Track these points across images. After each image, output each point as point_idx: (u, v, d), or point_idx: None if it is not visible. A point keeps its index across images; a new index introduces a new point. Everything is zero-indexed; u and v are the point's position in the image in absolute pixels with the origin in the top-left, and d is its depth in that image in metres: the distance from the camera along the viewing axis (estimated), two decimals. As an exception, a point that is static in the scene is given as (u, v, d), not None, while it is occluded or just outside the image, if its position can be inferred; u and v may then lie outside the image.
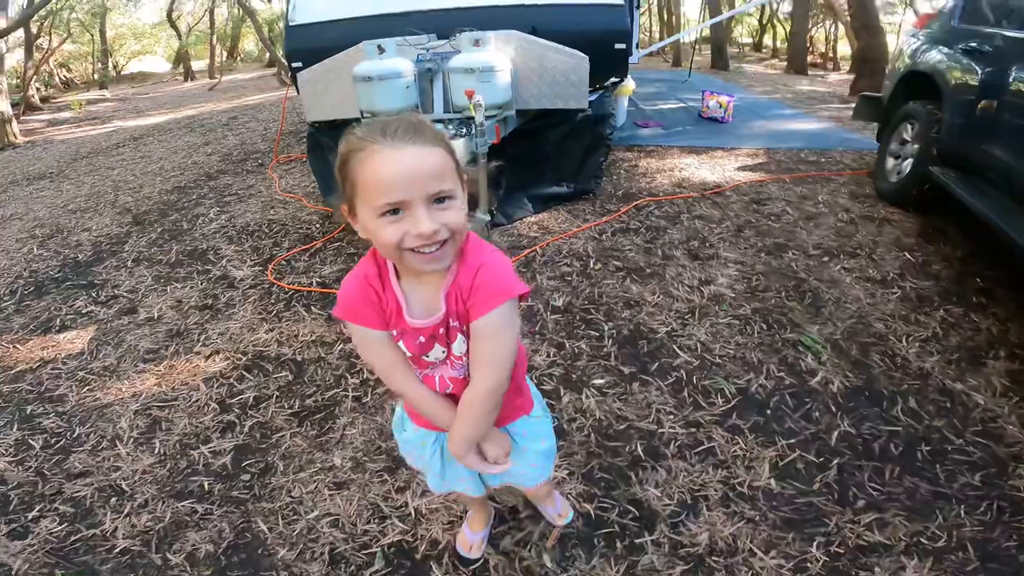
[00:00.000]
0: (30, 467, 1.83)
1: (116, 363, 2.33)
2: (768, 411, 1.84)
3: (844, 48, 20.26)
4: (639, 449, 1.72)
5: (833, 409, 1.84)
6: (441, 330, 0.95)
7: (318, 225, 3.55)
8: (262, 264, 3.07)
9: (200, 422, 1.96)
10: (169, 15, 20.52)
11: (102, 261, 3.34)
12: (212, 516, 1.61)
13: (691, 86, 8.45)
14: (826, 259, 2.81)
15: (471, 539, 1.48)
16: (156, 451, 1.85)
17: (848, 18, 11.70)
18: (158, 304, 2.75)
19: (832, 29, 19.96)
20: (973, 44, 3.09)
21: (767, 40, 22.25)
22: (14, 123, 9.16)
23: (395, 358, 1.00)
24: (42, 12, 12.43)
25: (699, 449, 1.71)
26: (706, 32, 13.41)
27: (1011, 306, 2.36)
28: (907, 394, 1.89)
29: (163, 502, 1.67)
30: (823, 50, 20.24)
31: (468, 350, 0.97)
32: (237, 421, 1.96)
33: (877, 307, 2.37)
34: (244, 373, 2.20)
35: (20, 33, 13.85)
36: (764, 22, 21.36)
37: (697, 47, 13.89)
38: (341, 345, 2.31)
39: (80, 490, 1.72)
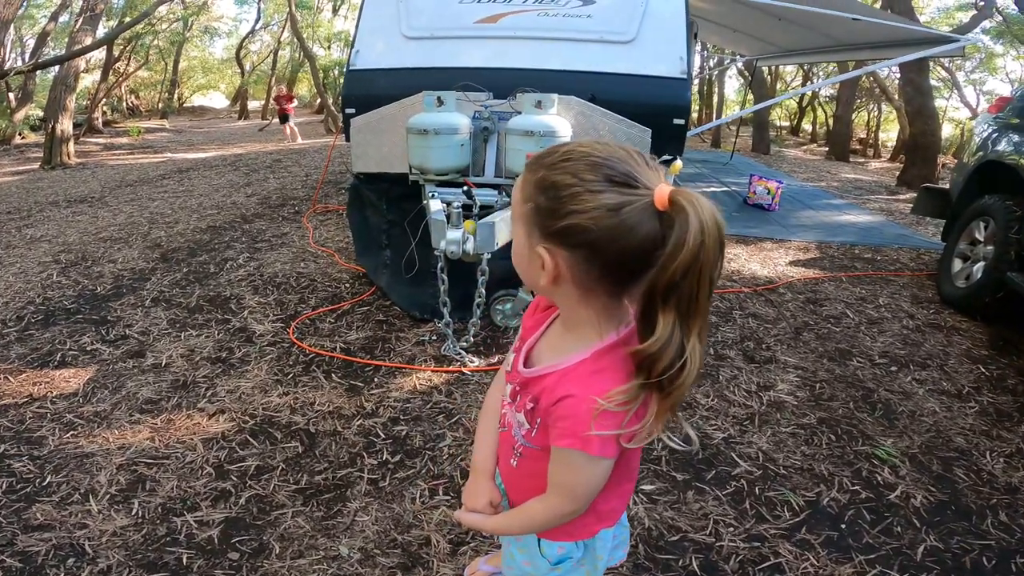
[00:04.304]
0: (-16, 511, 1.65)
1: (109, 409, 2.17)
2: (842, 525, 1.71)
3: (883, 134, 20.39)
4: (694, 563, 1.56)
5: (917, 524, 1.73)
6: (516, 384, 0.87)
7: (348, 284, 3.42)
8: (285, 320, 2.92)
9: (190, 486, 1.77)
10: (237, 52, 21.78)
11: (120, 297, 3.24)
12: (186, 596, 1.40)
13: (733, 169, 8.42)
14: (894, 369, 2.64)
15: (482, 568, 1.39)
16: (133, 512, 1.66)
17: (901, 103, 11.68)
18: (168, 350, 2.60)
19: (875, 114, 20.07)
20: None
21: (805, 124, 22.43)
22: (71, 143, 9.53)
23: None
24: (126, 35, 13.16)
25: (764, 565, 1.56)
26: (748, 114, 13.52)
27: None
28: (997, 508, 1.81)
29: (130, 570, 1.47)
30: (863, 136, 20.29)
31: (528, 431, 0.85)
32: (233, 491, 1.76)
33: (955, 421, 2.26)
34: (249, 438, 2.01)
35: (101, 55, 14.72)
36: (804, 105, 21.58)
37: (736, 128, 13.99)
38: (360, 420, 2.12)
39: (35, 545, 1.54)
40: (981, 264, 3.25)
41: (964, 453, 2.06)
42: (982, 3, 11.05)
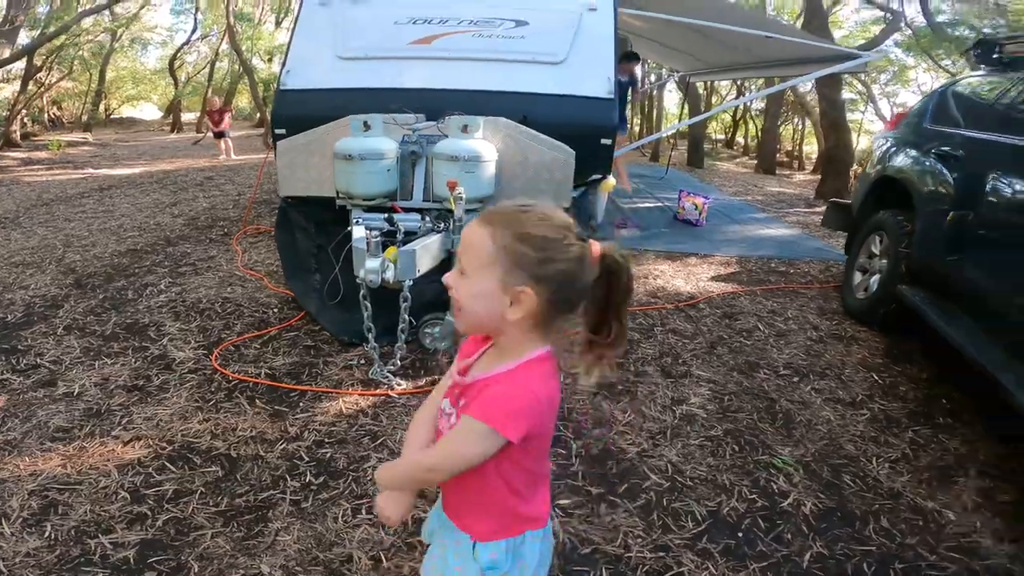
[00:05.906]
0: None
1: (20, 438, 2.12)
2: (740, 534, 1.81)
3: (808, 147, 21.44)
4: (604, 575, 1.63)
5: (805, 531, 1.83)
6: (456, 391, 1.00)
7: (276, 309, 3.36)
8: (207, 347, 2.86)
9: (104, 510, 1.76)
10: (171, 63, 20.83)
11: (31, 325, 3.09)
12: (102, 613, 1.40)
13: (667, 183, 8.60)
14: (796, 379, 2.81)
15: None
16: (46, 534, 1.67)
17: (818, 116, 12.31)
18: (82, 379, 2.52)
19: (799, 127, 21.06)
20: (946, 148, 2.94)
21: (739, 137, 23.38)
22: (-18, 160, 8.89)
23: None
24: (48, 46, 12.36)
25: (668, 575, 1.65)
26: (684, 128, 14.07)
27: (977, 428, 2.45)
28: (879, 514, 1.92)
29: (44, 588, 1.45)
30: (790, 148, 21.33)
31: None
32: (149, 514, 1.76)
33: (847, 429, 2.40)
34: (167, 464, 1.99)
35: (21, 66, 13.74)
36: (737, 119, 22.46)
37: (673, 142, 14.50)
38: (284, 444, 2.12)
39: (-55, 567, 1.51)
40: (877, 277, 3.40)
41: (853, 460, 2.19)
42: (890, 17, 11.63)
